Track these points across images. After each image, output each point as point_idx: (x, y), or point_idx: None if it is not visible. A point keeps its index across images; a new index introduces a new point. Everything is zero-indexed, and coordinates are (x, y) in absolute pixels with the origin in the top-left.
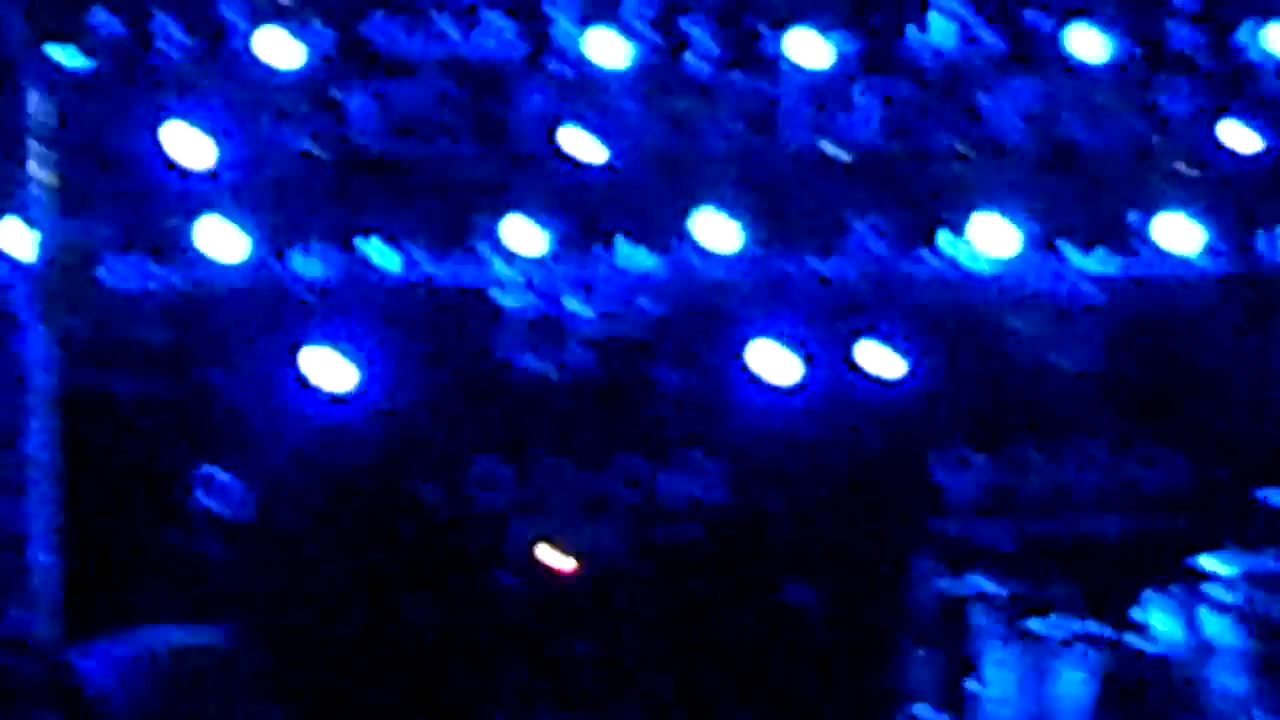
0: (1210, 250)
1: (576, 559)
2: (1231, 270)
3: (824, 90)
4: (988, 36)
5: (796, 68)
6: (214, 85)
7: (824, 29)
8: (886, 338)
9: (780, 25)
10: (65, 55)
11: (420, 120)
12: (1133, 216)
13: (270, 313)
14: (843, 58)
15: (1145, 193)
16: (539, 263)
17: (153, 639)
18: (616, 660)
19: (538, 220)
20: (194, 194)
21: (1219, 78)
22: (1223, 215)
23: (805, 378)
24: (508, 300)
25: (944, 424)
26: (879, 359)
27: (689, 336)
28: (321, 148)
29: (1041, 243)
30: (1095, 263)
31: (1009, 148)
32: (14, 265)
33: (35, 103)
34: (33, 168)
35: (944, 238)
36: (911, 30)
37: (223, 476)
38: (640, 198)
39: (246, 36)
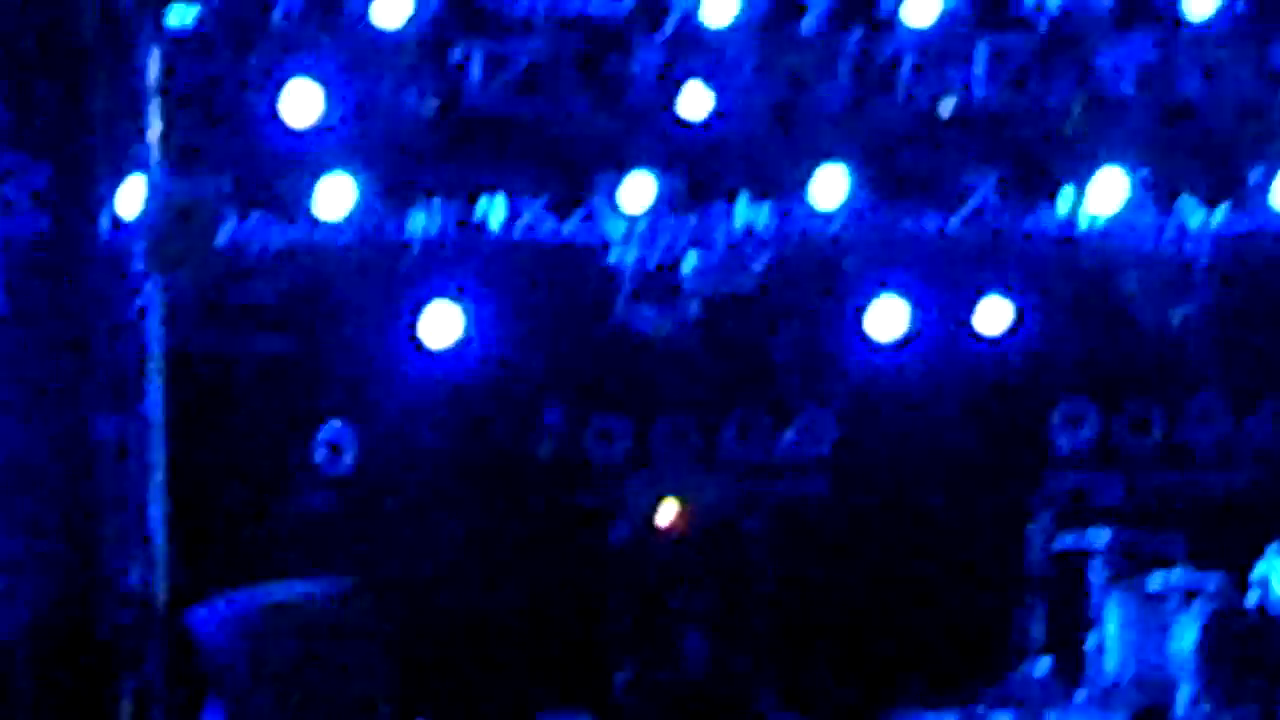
0: None
1: (692, 514)
2: None
3: (939, 47)
4: None
5: (910, 25)
6: (329, 44)
7: None
8: (1002, 293)
9: None
10: (181, 15)
11: (534, 78)
12: (1248, 173)
13: (385, 270)
14: (954, 15)
15: (1260, 150)
16: (653, 219)
17: (267, 595)
18: (732, 615)
19: (652, 177)
20: (309, 152)
21: None
22: None
23: (920, 334)
24: (623, 257)
25: (1060, 380)
26: (994, 315)
27: (804, 293)
28: (435, 106)
29: (1158, 199)
30: (1209, 219)
31: (1124, 103)
32: (130, 223)
33: (152, 63)
34: (149, 127)
35: (1060, 194)
36: None
37: (336, 432)
38: (755, 155)
39: None
